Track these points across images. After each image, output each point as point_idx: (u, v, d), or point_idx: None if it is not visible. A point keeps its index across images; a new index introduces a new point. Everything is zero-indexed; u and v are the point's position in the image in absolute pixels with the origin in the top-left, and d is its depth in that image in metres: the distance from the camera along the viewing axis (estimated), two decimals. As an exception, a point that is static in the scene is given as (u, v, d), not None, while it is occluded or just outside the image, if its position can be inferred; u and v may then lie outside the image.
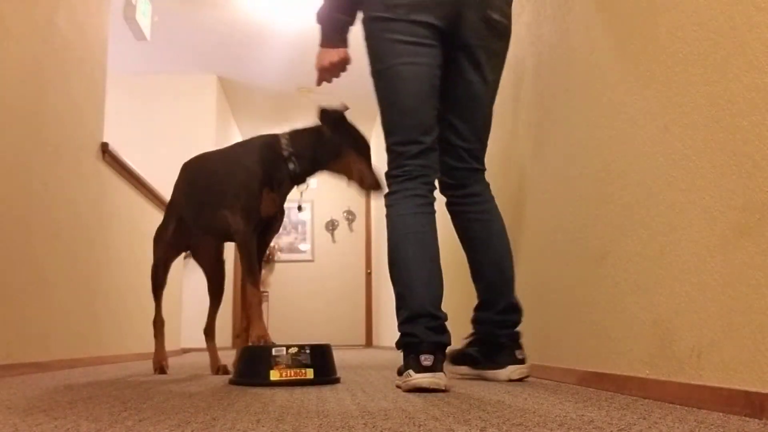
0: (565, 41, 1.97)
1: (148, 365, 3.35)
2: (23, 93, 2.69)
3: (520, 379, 1.92)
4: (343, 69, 1.93)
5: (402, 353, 1.73)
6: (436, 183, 1.89)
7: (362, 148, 2.24)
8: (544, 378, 2.03)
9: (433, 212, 1.81)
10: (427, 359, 1.62)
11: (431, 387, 1.60)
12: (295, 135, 2.27)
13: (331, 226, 10.13)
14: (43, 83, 2.89)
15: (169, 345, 5.18)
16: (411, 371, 1.63)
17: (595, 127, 1.73)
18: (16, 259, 2.61)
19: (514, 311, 1.96)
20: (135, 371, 2.71)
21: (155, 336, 2.65)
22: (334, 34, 1.88)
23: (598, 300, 1.70)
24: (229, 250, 8.12)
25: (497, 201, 2.05)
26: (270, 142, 2.27)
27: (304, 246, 10.05)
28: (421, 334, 1.66)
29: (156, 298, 2.64)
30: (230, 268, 8.02)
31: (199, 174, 2.45)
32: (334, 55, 1.88)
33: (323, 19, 1.87)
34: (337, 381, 1.96)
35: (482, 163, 1.99)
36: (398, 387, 1.75)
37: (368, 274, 9.45)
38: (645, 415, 1.11)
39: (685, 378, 1.27)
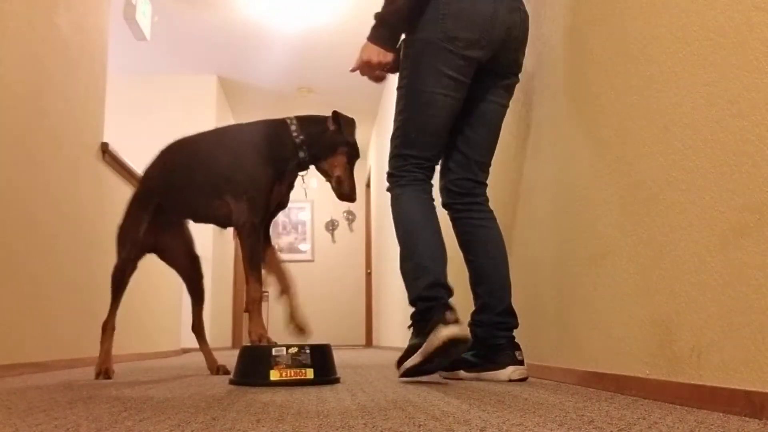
0: (565, 41, 1.97)
1: (149, 365, 3.36)
2: (23, 93, 2.69)
3: (520, 380, 1.93)
4: (383, 69, 2.04)
5: (414, 327, 1.85)
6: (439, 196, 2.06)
7: (354, 157, 2.28)
8: (544, 378, 2.03)
9: (435, 208, 1.98)
10: (452, 314, 1.76)
11: (461, 336, 1.73)
12: (304, 121, 2.26)
13: (331, 226, 10.13)
14: (43, 83, 2.89)
15: (169, 345, 5.21)
16: (440, 325, 1.74)
17: (595, 127, 1.73)
18: (15, 258, 2.61)
19: (512, 315, 2.04)
20: (135, 371, 2.71)
21: (102, 342, 2.34)
22: (391, 38, 2.00)
23: (598, 300, 1.70)
24: (228, 249, 8.02)
25: (497, 201, 2.10)
26: (277, 131, 2.23)
27: (304, 246, 10.06)
28: (444, 295, 1.83)
29: (114, 301, 2.38)
30: (230, 266, 8.02)
31: (189, 158, 2.33)
32: (384, 56, 1.99)
33: (385, 21, 1.97)
34: (337, 381, 1.96)
35: (487, 177, 2.13)
36: (401, 377, 1.86)
37: (368, 274, 9.44)
38: (645, 415, 1.11)
39: (685, 378, 1.27)
